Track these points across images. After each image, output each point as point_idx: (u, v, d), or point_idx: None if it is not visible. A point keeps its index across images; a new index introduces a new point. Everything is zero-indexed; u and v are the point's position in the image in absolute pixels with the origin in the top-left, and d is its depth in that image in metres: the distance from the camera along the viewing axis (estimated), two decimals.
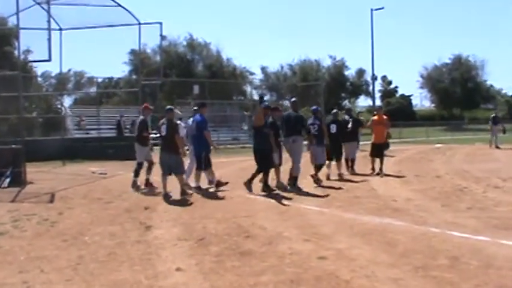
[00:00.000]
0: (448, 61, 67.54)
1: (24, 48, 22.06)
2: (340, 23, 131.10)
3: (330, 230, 7.10)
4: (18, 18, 13.31)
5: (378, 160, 13.98)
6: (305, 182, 11.56)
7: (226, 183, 11.18)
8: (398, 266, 5.36)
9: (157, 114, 16.97)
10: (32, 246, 6.43)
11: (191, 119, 11.63)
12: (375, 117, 14.73)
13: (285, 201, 9.66)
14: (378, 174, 13.60)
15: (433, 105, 73.66)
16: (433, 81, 66.80)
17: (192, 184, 11.13)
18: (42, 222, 7.91)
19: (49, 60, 15.93)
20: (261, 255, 5.83)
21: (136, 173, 11.67)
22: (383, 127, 14.38)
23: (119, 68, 59.32)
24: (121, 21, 18.72)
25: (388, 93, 76.84)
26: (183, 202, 9.72)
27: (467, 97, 63.81)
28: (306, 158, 11.98)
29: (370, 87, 56.25)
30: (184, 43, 52.16)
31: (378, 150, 14.14)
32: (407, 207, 8.78)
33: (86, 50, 54.37)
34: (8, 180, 12.42)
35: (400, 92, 77.37)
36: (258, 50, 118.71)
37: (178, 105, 25.67)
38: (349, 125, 14.10)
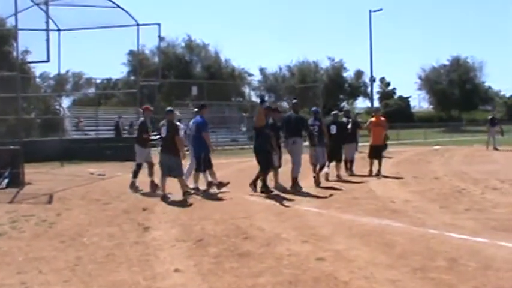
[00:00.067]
0: (447, 62, 67.68)
1: (22, 49, 22.07)
2: (338, 24, 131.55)
3: (328, 231, 7.10)
4: (16, 19, 13.29)
5: (376, 162, 13.99)
6: (303, 184, 11.54)
7: (228, 183, 11.16)
8: (397, 267, 5.36)
9: (156, 116, 16.94)
10: (30, 247, 6.42)
11: (192, 121, 11.62)
12: (373, 119, 14.75)
13: (283, 203, 9.65)
14: (376, 175, 13.61)
15: (431, 106, 73.78)
16: (431, 82, 66.84)
17: (191, 185, 11.12)
18: (41, 223, 7.90)
19: (47, 61, 15.88)
20: (259, 257, 5.83)
21: (135, 174, 11.66)
22: (381, 129, 14.40)
23: (117, 69, 59.36)
24: (119, 22, 18.70)
25: (387, 94, 76.92)
26: (182, 203, 9.71)
27: (465, 98, 63.85)
28: (305, 158, 11.98)
29: (369, 89, 56.47)
30: (183, 44, 52.20)
31: (376, 152, 14.15)
32: (405, 209, 8.78)
33: (85, 51, 54.33)
34: (6, 181, 12.40)
35: (399, 93, 77.67)
36: (257, 51, 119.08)
37: (177, 107, 25.64)
38: (349, 126, 14.17)
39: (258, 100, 12.71)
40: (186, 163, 11.33)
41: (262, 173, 10.88)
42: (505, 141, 26.20)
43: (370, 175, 13.73)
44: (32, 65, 29.51)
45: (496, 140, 24.67)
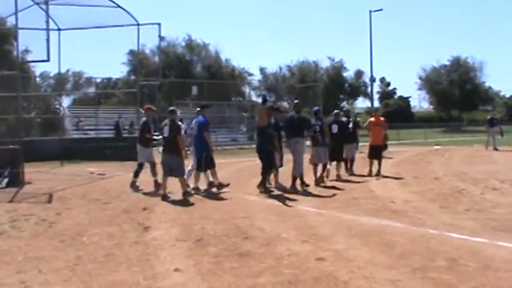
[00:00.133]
0: (447, 63, 67.65)
1: (22, 48, 22.09)
2: (338, 24, 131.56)
3: (328, 231, 7.10)
4: (16, 18, 13.30)
5: (376, 162, 13.99)
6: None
7: (228, 184, 11.17)
8: (397, 267, 5.36)
9: (156, 116, 16.95)
10: (29, 247, 6.43)
11: (194, 121, 11.62)
12: (372, 119, 14.77)
13: (283, 202, 9.66)
14: (376, 175, 13.61)
15: (431, 106, 73.75)
16: (431, 82, 66.82)
17: (192, 185, 11.12)
18: (40, 223, 7.90)
19: (47, 60, 15.91)
20: (259, 256, 5.83)
21: (136, 174, 11.65)
22: (380, 129, 14.41)
23: (118, 69, 59.22)
24: (120, 22, 18.69)
25: (387, 94, 76.87)
26: (182, 203, 9.71)
27: (465, 99, 63.84)
28: (306, 158, 11.99)
29: (369, 89, 56.48)
30: (183, 44, 52.22)
31: (376, 152, 14.15)
32: (405, 209, 8.79)
33: (85, 50, 54.21)
34: (6, 180, 12.40)
35: (399, 93, 77.58)
36: (257, 51, 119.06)
37: (177, 106, 25.66)
38: (350, 125, 14.21)
39: (260, 100, 12.76)
40: (189, 163, 11.33)
41: (266, 173, 10.92)
42: (505, 142, 26.21)
43: (370, 175, 13.73)
44: (32, 64, 29.47)
45: (496, 140, 24.66)
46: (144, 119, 12.13)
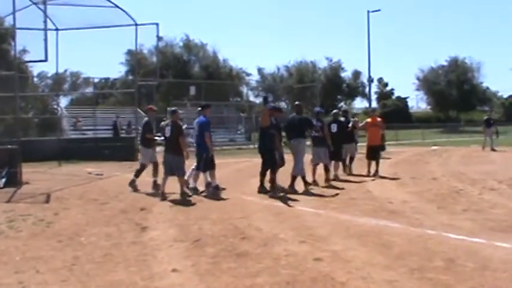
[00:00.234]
0: (445, 63, 67.82)
1: (20, 48, 22.08)
2: (336, 24, 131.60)
3: (325, 232, 7.11)
4: (14, 18, 13.28)
5: (373, 162, 14.00)
6: (301, 183, 11.52)
7: (224, 189, 11.14)
8: (394, 268, 5.37)
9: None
10: (27, 247, 6.42)
11: (196, 120, 11.61)
12: (369, 120, 14.80)
13: (281, 203, 9.66)
14: (373, 175, 13.63)
15: (429, 107, 73.87)
16: (429, 83, 66.94)
17: (190, 185, 11.11)
18: (38, 223, 7.89)
19: (45, 60, 15.89)
20: (257, 257, 5.83)
21: (137, 174, 11.59)
22: (377, 129, 14.44)
23: (115, 69, 59.23)
24: (117, 22, 18.73)
25: (385, 95, 76.98)
26: (179, 203, 9.71)
27: (463, 99, 63.97)
28: (307, 159, 12.01)
29: (367, 89, 56.62)
30: (181, 44, 52.29)
31: (373, 153, 14.16)
32: (403, 209, 8.79)
33: (83, 50, 54.20)
34: (3, 180, 12.39)
35: (397, 94, 77.62)
36: (255, 51, 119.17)
37: (175, 107, 25.65)
38: (350, 125, 14.26)
39: (262, 101, 12.79)
40: (192, 163, 11.32)
41: (260, 174, 10.96)
42: (502, 142, 26.25)
43: (368, 175, 13.74)
44: (30, 64, 29.52)
45: (493, 140, 24.67)
46: (146, 119, 12.11)
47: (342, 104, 57.30)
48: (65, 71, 53.57)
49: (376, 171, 13.83)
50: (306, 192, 10.84)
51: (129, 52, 45.46)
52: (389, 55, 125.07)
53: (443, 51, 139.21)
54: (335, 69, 60.61)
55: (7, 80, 15.76)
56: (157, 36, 22.27)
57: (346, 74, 61.92)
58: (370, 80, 53.01)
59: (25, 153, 13.47)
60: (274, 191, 10.66)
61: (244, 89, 50.75)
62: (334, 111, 14.68)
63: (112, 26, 18.78)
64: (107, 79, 53.95)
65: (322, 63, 60.78)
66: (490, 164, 17.60)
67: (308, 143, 12.22)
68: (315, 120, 12.22)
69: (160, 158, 11.20)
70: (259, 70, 60.81)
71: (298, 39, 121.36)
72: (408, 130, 43.24)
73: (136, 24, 19.45)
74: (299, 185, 11.19)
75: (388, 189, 11.43)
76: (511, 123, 49.04)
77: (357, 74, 61.61)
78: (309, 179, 11.72)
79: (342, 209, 8.97)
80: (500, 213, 8.36)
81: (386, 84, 79.35)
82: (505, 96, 78.16)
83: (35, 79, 41.16)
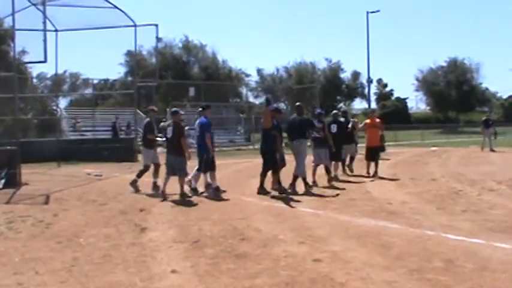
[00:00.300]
0: (444, 64, 67.90)
1: (19, 49, 22.06)
2: (336, 25, 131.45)
3: (325, 233, 7.11)
4: (13, 19, 13.30)
5: (372, 163, 14.01)
6: (301, 184, 11.53)
7: (224, 191, 11.12)
8: (394, 268, 5.37)
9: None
10: (26, 248, 6.41)
11: (197, 121, 11.61)
12: (368, 121, 14.82)
13: (280, 204, 9.66)
14: (373, 176, 13.64)
15: (428, 108, 73.89)
16: (428, 84, 66.99)
17: (192, 185, 11.09)
18: (37, 224, 7.89)
19: (44, 61, 15.88)
20: (256, 258, 5.82)
21: (139, 175, 11.56)
22: (376, 130, 14.45)
23: (115, 70, 59.45)
24: (117, 23, 18.73)
25: (384, 96, 76.97)
26: (179, 204, 9.71)
27: (462, 100, 64.02)
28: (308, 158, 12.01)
29: (366, 90, 56.64)
30: (180, 45, 52.37)
31: (372, 153, 14.17)
32: (402, 210, 8.79)
33: (82, 51, 54.25)
34: (3, 181, 12.39)
35: (396, 94, 77.56)
36: (254, 52, 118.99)
37: (175, 107, 25.66)
38: (349, 125, 14.28)
39: (264, 102, 12.80)
40: (194, 164, 11.30)
41: (260, 175, 10.98)
42: (501, 143, 26.25)
43: (367, 176, 13.75)
44: (29, 65, 29.53)
45: (492, 141, 24.67)
46: (147, 120, 12.10)
47: (341, 104, 57.46)
48: (64, 72, 53.66)
49: (376, 172, 13.84)
50: (306, 193, 10.85)
51: (129, 53, 45.55)
52: (388, 56, 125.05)
53: (443, 52, 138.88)
54: (334, 70, 60.68)
55: (6, 81, 15.76)
56: (157, 37, 22.32)
57: (346, 75, 62.11)
58: (370, 81, 53.05)
59: (24, 154, 13.47)
60: (280, 188, 10.80)
61: (244, 90, 50.89)
62: (334, 111, 14.72)
63: (111, 27, 18.80)
64: (106, 80, 53.98)
65: (322, 64, 60.95)
66: (489, 164, 17.60)
67: (308, 144, 12.21)
68: (316, 121, 12.23)
69: (162, 160, 11.21)
70: (259, 71, 60.94)
71: (297, 40, 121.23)
72: (407, 131, 43.24)
73: (135, 25, 19.46)
74: (299, 186, 11.20)
75: (387, 190, 11.43)
76: (511, 123, 48.97)
77: (356, 75, 61.68)
78: (309, 179, 11.72)
79: (341, 209, 8.97)
80: (499, 213, 8.36)
81: (385, 85, 79.35)
82: (505, 96, 78.25)
83: (34, 80, 41.19)
